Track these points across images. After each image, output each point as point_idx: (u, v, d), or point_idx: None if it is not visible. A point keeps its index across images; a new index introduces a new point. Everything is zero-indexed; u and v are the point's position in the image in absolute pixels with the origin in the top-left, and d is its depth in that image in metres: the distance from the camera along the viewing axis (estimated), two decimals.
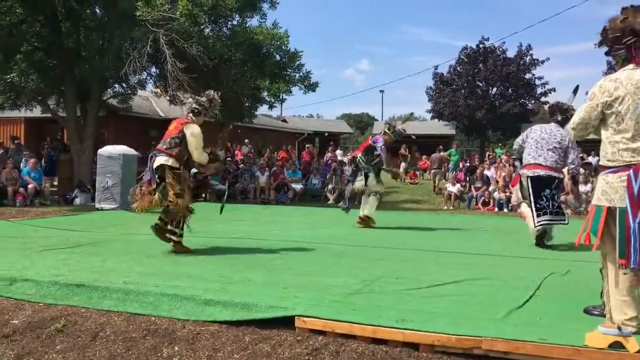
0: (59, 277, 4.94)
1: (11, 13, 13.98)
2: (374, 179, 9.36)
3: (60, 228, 8.63)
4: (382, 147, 9.27)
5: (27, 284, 4.80)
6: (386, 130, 9.55)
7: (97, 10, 15.36)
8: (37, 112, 18.31)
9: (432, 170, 20.33)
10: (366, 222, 9.45)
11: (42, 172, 15.09)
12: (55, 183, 16.46)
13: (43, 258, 6.00)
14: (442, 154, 21.11)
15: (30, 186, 13.60)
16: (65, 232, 8.24)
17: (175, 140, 6.39)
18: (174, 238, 6.52)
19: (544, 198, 7.12)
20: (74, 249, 6.73)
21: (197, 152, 6.42)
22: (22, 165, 14.96)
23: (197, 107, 6.63)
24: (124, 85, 17.07)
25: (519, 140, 7.66)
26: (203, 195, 15.48)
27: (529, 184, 7.22)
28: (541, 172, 7.14)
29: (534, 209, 7.16)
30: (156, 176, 6.44)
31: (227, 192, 9.14)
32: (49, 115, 16.81)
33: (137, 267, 5.53)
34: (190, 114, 6.60)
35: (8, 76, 15.12)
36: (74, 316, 4.16)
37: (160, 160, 6.38)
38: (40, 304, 4.46)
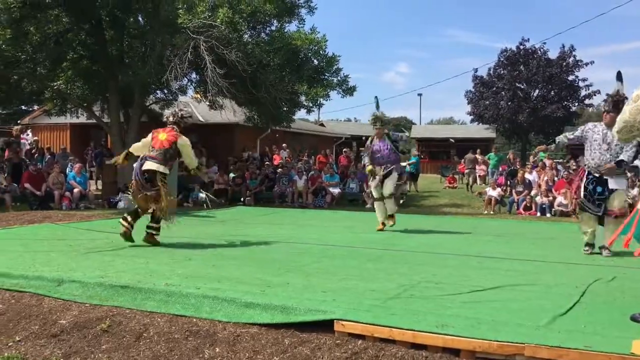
0: (104, 278, 5.08)
1: (58, 22, 14.41)
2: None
3: (105, 231, 8.83)
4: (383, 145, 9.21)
5: (74, 285, 4.95)
6: (377, 127, 9.41)
7: (140, 19, 15.70)
8: (82, 118, 18.83)
9: (466, 171, 21.34)
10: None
11: (87, 177, 15.50)
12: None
13: (89, 260, 6.18)
14: (474, 155, 21.87)
15: (75, 190, 13.96)
16: (110, 234, 8.42)
17: (170, 151, 7.16)
18: (153, 232, 7.28)
19: None
20: (118, 251, 6.90)
21: (193, 159, 7.55)
22: (67, 170, 15.42)
23: (176, 119, 7.46)
24: (165, 91, 17.42)
25: None
26: (242, 199, 15.69)
27: None
28: None
29: None
30: (144, 178, 7.06)
31: (207, 196, 10.79)
32: (94, 121, 17.27)
33: (179, 269, 5.64)
34: (175, 127, 7.36)
35: (55, 83, 15.61)
36: (118, 317, 4.27)
37: (153, 165, 7.05)
38: (87, 305, 4.59)
